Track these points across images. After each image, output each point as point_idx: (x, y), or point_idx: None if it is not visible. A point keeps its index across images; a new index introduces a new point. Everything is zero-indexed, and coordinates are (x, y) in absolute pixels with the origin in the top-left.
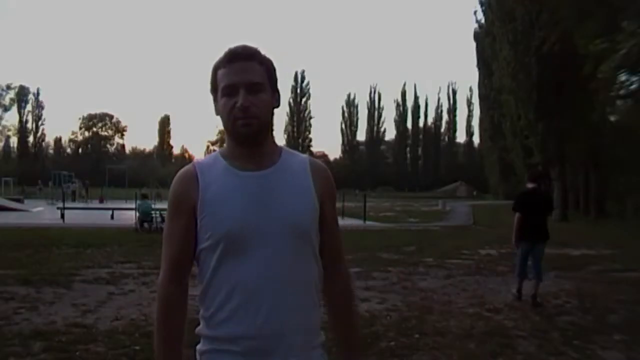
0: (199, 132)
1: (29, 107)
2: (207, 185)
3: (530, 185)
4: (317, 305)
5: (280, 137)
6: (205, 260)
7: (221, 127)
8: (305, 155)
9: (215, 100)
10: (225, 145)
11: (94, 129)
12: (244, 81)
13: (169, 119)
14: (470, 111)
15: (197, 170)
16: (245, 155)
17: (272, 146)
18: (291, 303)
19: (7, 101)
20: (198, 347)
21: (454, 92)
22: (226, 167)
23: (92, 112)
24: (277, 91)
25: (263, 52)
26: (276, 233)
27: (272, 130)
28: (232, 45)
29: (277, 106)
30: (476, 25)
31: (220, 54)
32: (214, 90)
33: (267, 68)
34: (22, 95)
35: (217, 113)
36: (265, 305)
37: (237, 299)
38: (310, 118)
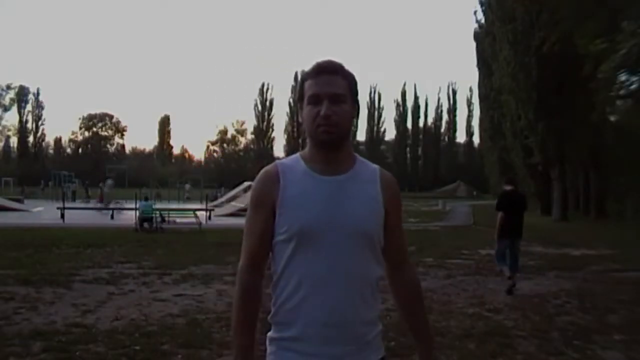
0: (199, 132)
1: (29, 107)
2: (287, 184)
3: (508, 187)
4: (377, 299)
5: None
6: (280, 252)
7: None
8: (376, 166)
9: (300, 108)
10: (306, 148)
11: (94, 129)
12: (328, 92)
13: (169, 119)
14: (470, 111)
15: (279, 170)
16: (324, 160)
17: (349, 153)
18: (354, 296)
19: (7, 101)
20: (269, 334)
21: (454, 92)
22: (306, 169)
23: (92, 112)
24: (357, 103)
25: (347, 67)
26: (344, 234)
27: (350, 139)
28: (320, 59)
29: (356, 116)
30: (476, 25)
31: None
32: (300, 99)
33: (350, 82)
34: (22, 95)
35: (302, 120)
36: (331, 297)
37: (305, 290)
38: None
